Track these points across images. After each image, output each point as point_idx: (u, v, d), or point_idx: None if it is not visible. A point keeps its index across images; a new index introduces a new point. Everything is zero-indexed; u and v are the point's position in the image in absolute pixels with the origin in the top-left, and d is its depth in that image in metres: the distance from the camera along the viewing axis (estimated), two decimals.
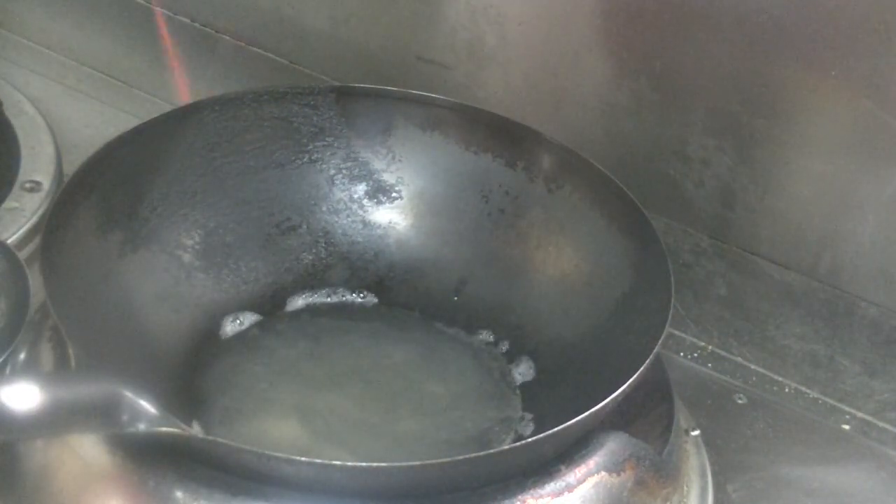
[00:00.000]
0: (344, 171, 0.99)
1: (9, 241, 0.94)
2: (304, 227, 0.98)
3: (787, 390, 1.01)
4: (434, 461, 0.76)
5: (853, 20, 0.88)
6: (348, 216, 0.99)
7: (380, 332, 0.94)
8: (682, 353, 1.03)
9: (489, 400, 0.90)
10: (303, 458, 0.73)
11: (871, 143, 0.92)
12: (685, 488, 0.86)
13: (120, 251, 0.89)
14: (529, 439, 0.78)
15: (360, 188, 0.99)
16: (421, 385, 0.91)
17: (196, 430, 0.82)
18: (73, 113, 1.20)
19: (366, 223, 0.99)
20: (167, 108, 1.00)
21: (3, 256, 0.89)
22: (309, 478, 0.74)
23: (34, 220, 1.00)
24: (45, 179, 1.06)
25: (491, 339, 0.94)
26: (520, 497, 0.76)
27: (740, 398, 0.99)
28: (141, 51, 1.22)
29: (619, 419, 0.83)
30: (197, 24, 1.18)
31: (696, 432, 0.91)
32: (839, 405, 1.00)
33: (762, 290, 1.01)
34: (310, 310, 0.96)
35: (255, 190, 0.97)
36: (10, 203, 1.02)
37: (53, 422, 0.71)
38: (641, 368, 0.78)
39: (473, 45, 1.05)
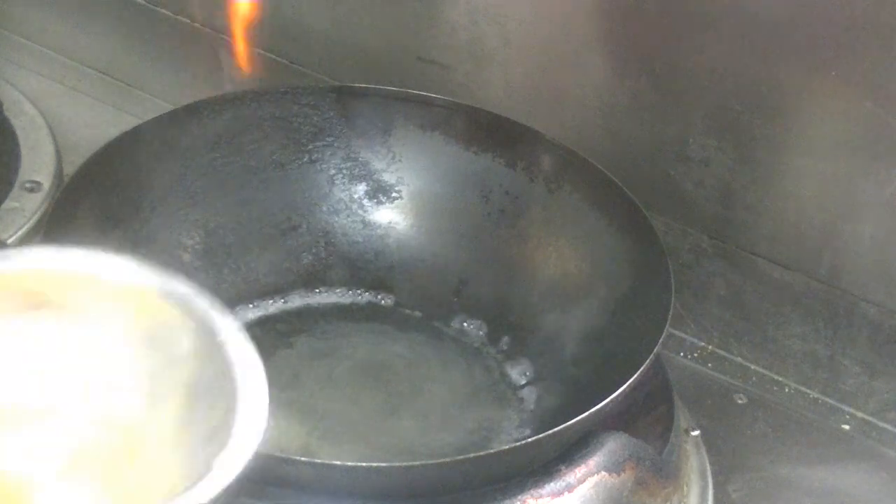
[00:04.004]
0: (344, 171, 0.99)
1: (9, 241, 0.94)
2: (304, 227, 0.98)
3: (787, 390, 1.01)
4: (434, 461, 0.76)
5: (853, 20, 0.88)
6: (348, 216, 0.99)
7: (380, 332, 0.94)
8: (682, 353, 1.03)
9: (489, 400, 0.90)
10: (303, 458, 0.73)
11: (871, 143, 0.92)
12: (685, 488, 0.86)
13: (120, 251, 0.89)
14: (529, 439, 0.78)
15: (360, 188, 0.99)
16: (421, 385, 0.91)
17: None
18: (73, 113, 1.20)
19: (366, 223, 0.99)
20: (167, 108, 1.00)
21: None
22: (309, 478, 0.74)
23: (34, 220, 1.00)
24: (45, 179, 1.05)
25: (491, 338, 0.94)
26: (520, 497, 0.76)
27: (740, 398, 0.99)
28: (141, 51, 1.22)
29: (619, 419, 0.83)
30: (197, 24, 1.18)
31: (696, 432, 0.91)
32: (839, 405, 1.00)
33: (762, 290, 1.01)
34: (310, 310, 0.96)
35: (255, 190, 0.97)
36: (10, 203, 1.02)
37: None
38: (641, 368, 0.78)
39: (473, 45, 1.05)
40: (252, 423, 0.59)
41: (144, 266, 0.63)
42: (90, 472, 0.61)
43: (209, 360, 0.62)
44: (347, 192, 0.99)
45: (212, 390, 0.61)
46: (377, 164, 0.99)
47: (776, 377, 1.02)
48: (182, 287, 0.63)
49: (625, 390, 0.77)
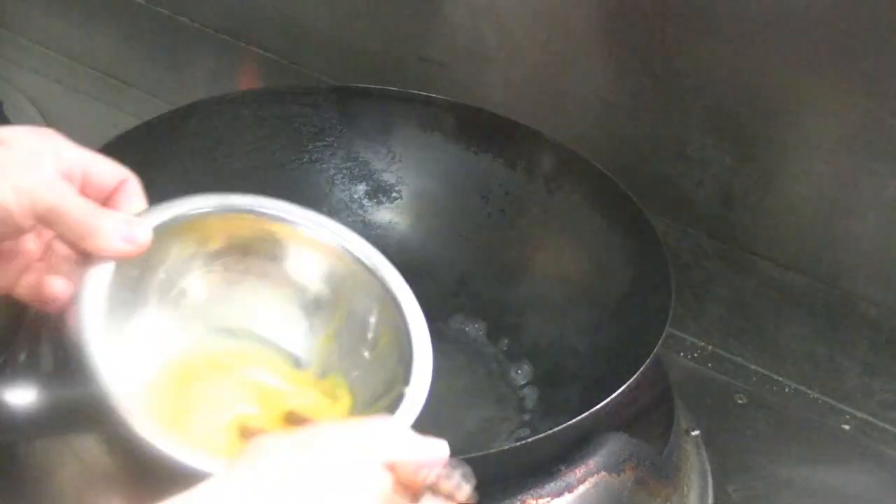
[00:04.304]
0: (344, 171, 0.99)
1: None
2: None
3: (787, 390, 1.01)
4: None
5: (853, 20, 0.88)
6: (348, 216, 0.99)
7: None
8: (682, 353, 1.03)
9: (489, 400, 0.90)
10: None
11: (871, 143, 0.92)
12: (685, 488, 0.86)
13: None
14: (529, 439, 0.78)
15: (360, 188, 0.99)
16: None
17: None
18: (73, 113, 1.20)
19: (366, 223, 0.99)
20: (167, 108, 1.00)
21: None
22: None
23: None
24: None
25: (491, 338, 0.94)
26: (520, 497, 0.76)
27: (740, 398, 0.99)
28: (141, 51, 1.22)
29: (619, 419, 0.83)
30: (197, 24, 1.18)
31: (696, 432, 0.91)
32: (839, 405, 1.00)
33: (762, 290, 1.01)
34: None
35: (256, 190, 0.97)
36: None
37: (53, 422, 0.71)
38: (641, 368, 0.78)
39: (473, 45, 1.05)
40: (423, 337, 0.72)
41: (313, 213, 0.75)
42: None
43: (371, 291, 0.74)
44: (347, 192, 0.99)
45: (376, 310, 0.74)
46: (377, 164, 0.99)
47: (776, 377, 1.02)
48: (339, 228, 0.75)
49: (625, 390, 0.77)
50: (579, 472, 0.78)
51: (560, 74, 1.03)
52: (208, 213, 0.72)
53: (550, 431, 0.75)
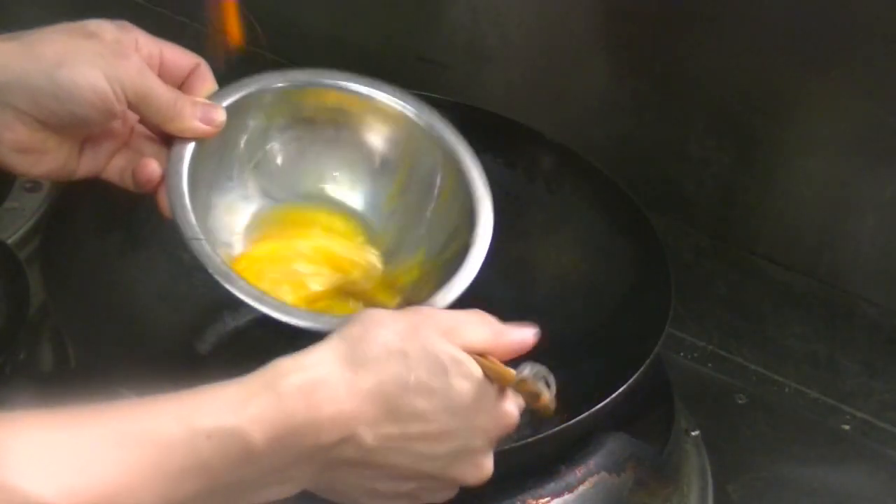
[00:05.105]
0: None
1: (9, 241, 0.94)
2: None
3: (787, 390, 1.01)
4: None
5: (853, 21, 0.88)
6: None
7: None
8: (682, 353, 1.03)
9: None
10: None
11: (871, 143, 0.92)
12: (685, 488, 0.86)
13: (120, 251, 0.89)
14: (529, 439, 0.78)
15: None
16: None
17: None
18: None
19: None
20: None
21: (3, 256, 0.90)
22: None
23: (34, 220, 1.00)
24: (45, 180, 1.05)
25: None
26: (520, 497, 0.76)
27: (740, 398, 0.99)
28: None
29: (619, 419, 0.83)
30: (197, 24, 1.18)
31: (696, 432, 0.91)
32: (839, 405, 1.00)
33: (762, 290, 1.01)
34: None
35: None
36: (10, 203, 1.01)
37: None
38: (641, 368, 0.78)
39: (473, 45, 1.05)
40: (484, 189, 0.78)
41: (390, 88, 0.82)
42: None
43: (432, 149, 0.80)
44: None
45: (438, 167, 0.80)
46: None
47: (776, 377, 1.02)
48: (400, 94, 0.82)
49: (625, 390, 0.77)
50: (579, 472, 0.78)
51: (560, 74, 1.03)
52: (275, 90, 0.78)
53: (550, 431, 0.75)
